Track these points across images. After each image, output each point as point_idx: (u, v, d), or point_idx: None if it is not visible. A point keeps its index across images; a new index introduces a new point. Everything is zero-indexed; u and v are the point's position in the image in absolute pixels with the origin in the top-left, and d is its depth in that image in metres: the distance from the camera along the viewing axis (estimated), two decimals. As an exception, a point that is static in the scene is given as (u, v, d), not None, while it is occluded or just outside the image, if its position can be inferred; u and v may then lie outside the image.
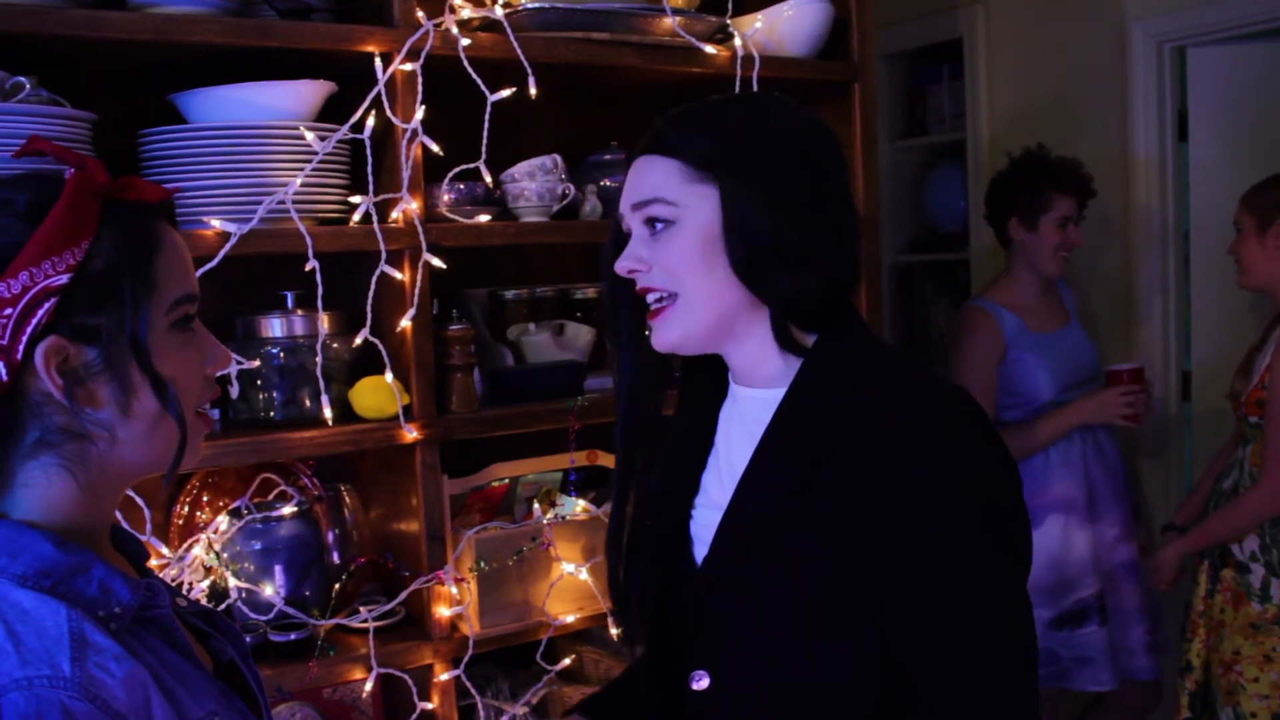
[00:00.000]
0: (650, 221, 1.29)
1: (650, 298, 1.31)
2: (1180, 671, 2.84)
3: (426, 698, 2.11)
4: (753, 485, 1.28)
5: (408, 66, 2.02)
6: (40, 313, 0.97)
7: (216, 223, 1.88)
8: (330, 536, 2.23)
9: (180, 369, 1.06)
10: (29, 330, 0.97)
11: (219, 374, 1.16)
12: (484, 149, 2.10)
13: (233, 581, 2.01)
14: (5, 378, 0.98)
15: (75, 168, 1.02)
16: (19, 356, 0.98)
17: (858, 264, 1.31)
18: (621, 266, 1.32)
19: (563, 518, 2.26)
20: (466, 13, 2.12)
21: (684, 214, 1.27)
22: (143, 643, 1.02)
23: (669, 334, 1.31)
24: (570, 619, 2.22)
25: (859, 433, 1.22)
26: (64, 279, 0.98)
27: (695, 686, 1.29)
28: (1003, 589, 1.21)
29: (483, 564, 2.14)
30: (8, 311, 0.96)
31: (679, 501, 1.39)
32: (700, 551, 1.34)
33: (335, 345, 2.08)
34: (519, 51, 2.10)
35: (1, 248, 0.97)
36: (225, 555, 2.02)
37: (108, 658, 0.95)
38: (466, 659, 2.12)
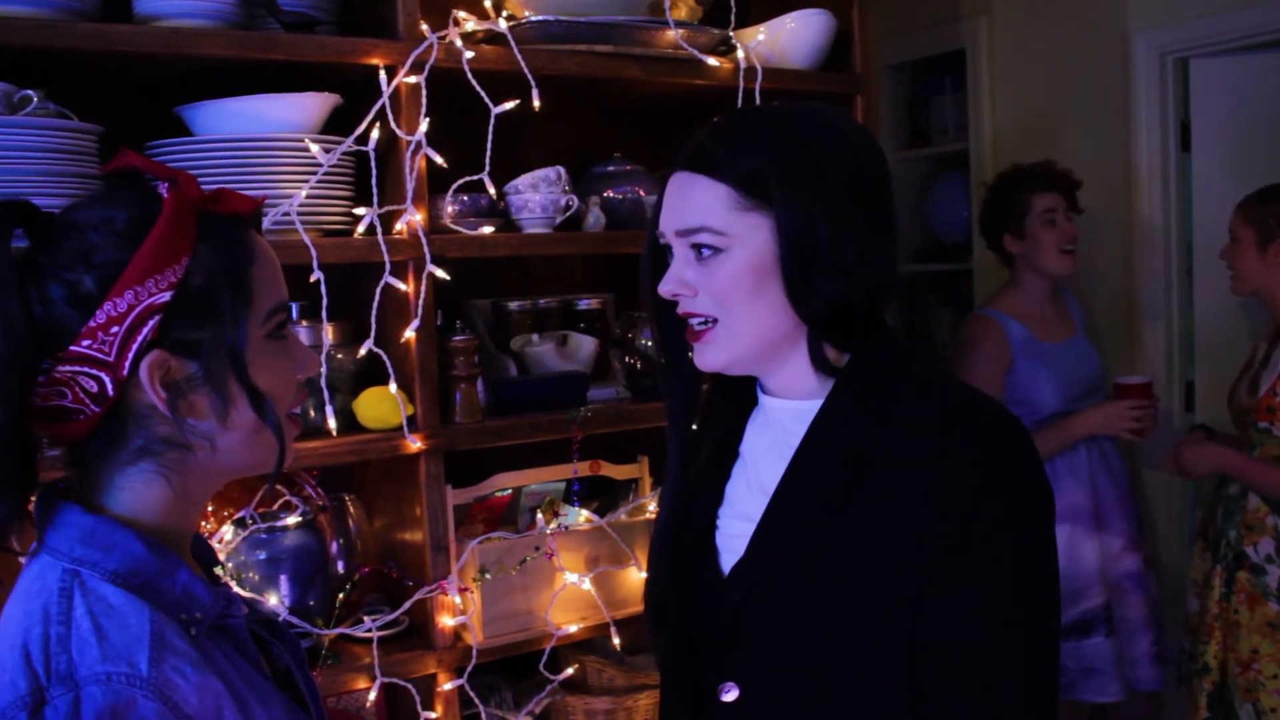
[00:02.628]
0: (697, 247, 1.26)
1: (693, 321, 1.29)
2: (1197, 673, 2.85)
3: (430, 707, 2.12)
4: (789, 495, 1.26)
5: (412, 79, 2.03)
6: (145, 330, 1.00)
7: (222, 234, 1.89)
8: (334, 546, 2.24)
9: (275, 378, 1.08)
10: (135, 347, 1.00)
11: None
12: (488, 161, 2.11)
13: (237, 591, 2.02)
14: (111, 392, 1.01)
15: (169, 183, 1.04)
16: (125, 373, 1.00)
17: (897, 272, 1.29)
18: (666, 290, 1.28)
19: (566, 528, 2.27)
20: (470, 25, 2.13)
21: (734, 243, 1.23)
22: (219, 649, 1.05)
23: (716, 357, 1.28)
24: (573, 629, 2.23)
25: (905, 446, 1.21)
26: (167, 296, 1.00)
27: (724, 698, 1.27)
28: (1038, 624, 1.20)
29: (486, 574, 2.15)
30: (114, 330, 0.99)
31: (704, 511, 1.37)
32: (727, 561, 1.32)
33: (340, 356, 2.09)
34: (523, 64, 2.12)
35: (105, 265, 0.99)
36: (230, 565, 2.03)
37: (185, 662, 0.98)
38: (470, 668, 2.13)
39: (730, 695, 1.27)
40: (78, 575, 0.99)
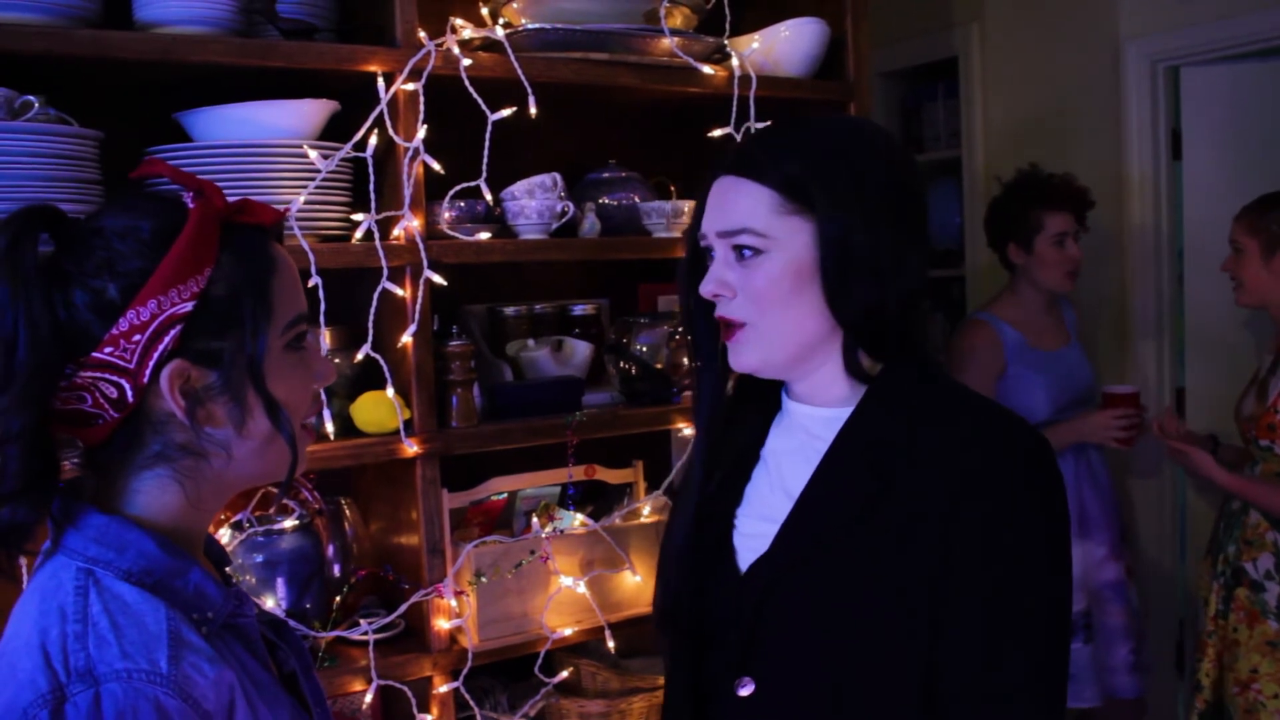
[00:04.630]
0: (738, 248, 1.28)
1: (728, 323, 1.31)
2: (1190, 691, 2.85)
3: (426, 710, 2.13)
4: (816, 500, 1.28)
5: (410, 86, 2.05)
6: (166, 340, 1.01)
7: (221, 239, 1.90)
8: (331, 549, 2.25)
9: (292, 388, 1.09)
10: (156, 356, 1.01)
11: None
12: (484, 167, 2.12)
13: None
14: (131, 399, 1.02)
15: (195, 193, 1.04)
16: (145, 380, 1.01)
17: (927, 279, 1.31)
18: (707, 290, 1.31)
19: (561, 531, 2.28)
20: (468, 33, 2.15)
21: (774, 245, 1.26)
22: (229, 648, 1.06)
23: (750, 358, 1.30)
24: (568, 632, 2.24)
25: (934, 457, 1.23)
26: (189, 306, 1.01)
27: (740, 693, 1.29)
28: (1054, 637, 1.22)
29: (482, 577, 2.16)
30: (136, 338, 1.00)
31: (723, 512, 1.39)
32: (745, 559, 1.33)
33: (337, 360, 2.10)
34: (519, 71, 2.13)
35: (130, 274, 1.00)
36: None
37: (202, 659, 0.99)
38: (465, 671, 2.14)
39: (746, 690, 1.29)
40: (92, 574, 1.00)
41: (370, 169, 2.04)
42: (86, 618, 0.97)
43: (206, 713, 0.96)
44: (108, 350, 1.00)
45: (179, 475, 1.06)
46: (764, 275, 1.27)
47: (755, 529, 1.33)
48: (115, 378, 1.01)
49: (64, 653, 0.95)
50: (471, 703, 2.16)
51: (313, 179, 1.98)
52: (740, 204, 1.28)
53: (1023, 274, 3.06)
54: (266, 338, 1.05)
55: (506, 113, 2.12)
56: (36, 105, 1.82)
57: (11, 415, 0.97)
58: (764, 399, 1.41)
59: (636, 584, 2.31)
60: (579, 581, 2.25)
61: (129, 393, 1.01)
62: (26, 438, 0.98)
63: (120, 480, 1.06)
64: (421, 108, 2.06)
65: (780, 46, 2.48)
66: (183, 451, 1.05)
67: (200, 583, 1.05)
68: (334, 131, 2.08)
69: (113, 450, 1.05)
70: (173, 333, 1.01)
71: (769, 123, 1.37)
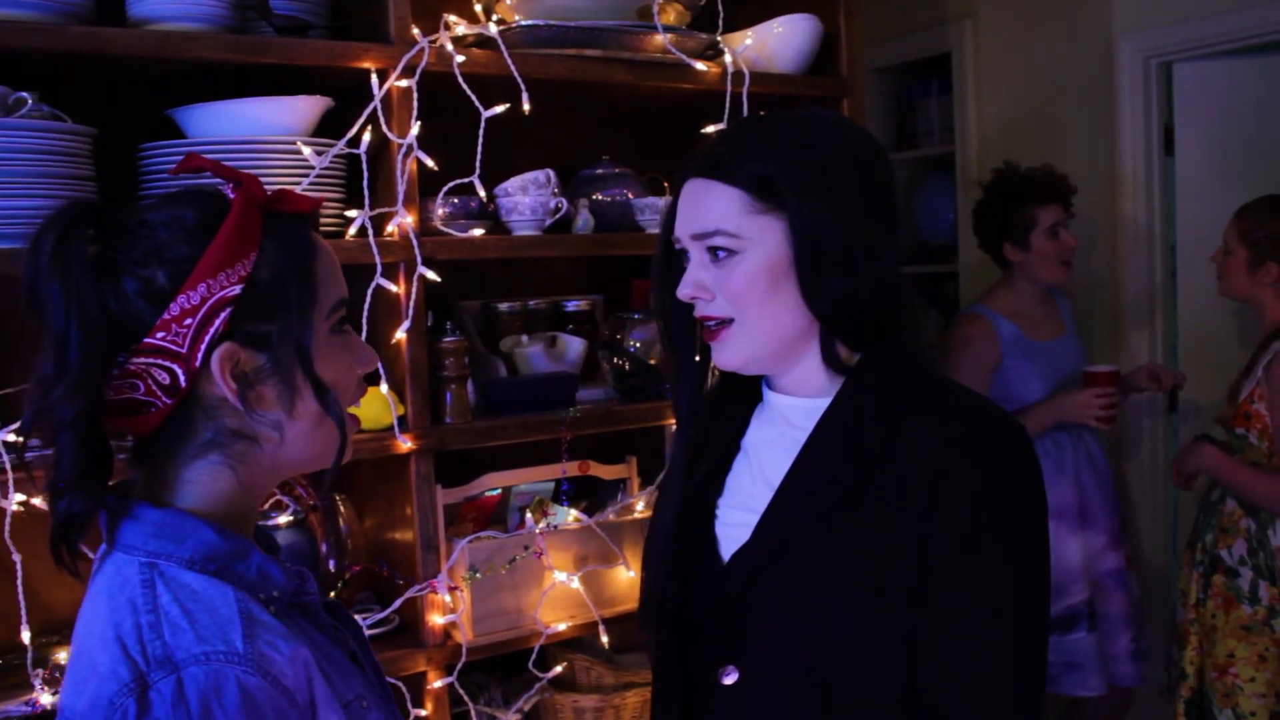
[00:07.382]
0: (712, 250, 1.29)
1: (709, 323, 1.32)
2: (1175, 681, 2.87)
3: (420, 705, 2.13)
4: (796, 487, 1.30)
5: (403, 83, 2.05)
6: (217, 322, 1.02)
7: (214, 236, 1.90)
8: (325, 545, 2.25)
9: (338, 371, 1.11)
10: (207, 339, 1.02)
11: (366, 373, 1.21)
12: (478, 164, 2.13)
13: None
14: (184, 384, 1.03)
15: (234, 183, 1.07)
16: (197, 364, 1.03)
17: (901, 272, 1.32)
18: (684, 293, 1.32)
19: (555, 527, 2.29)
20: (461, 30, 2.15)
21: (748, 245, 1.27)
22: (298, 625, 1.08)
23: (734, 356, 1.32)
24: (562, 627, 2.24)
25: (913, 446, 1.24)
26: (237, 289, 1.03)
27: (724, 681, 1.30)
28: (1034, 623, 1.24)
29: (476, 572, 2.17)
30: (188, 322, 1.01)
31: (705, 502, 1.40)
32: (727, 549, 1.35)
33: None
34: (513, 68, 2.13)
35: (178, 261, 1.02)
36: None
37: (276, 636, 1.01)
38: (460, 666, 2.14)
39: (730, 678, 1.30)
40: (155, 567, 1.02)
41: (364, 165, 2.05)
42: (157, 607, 0.99)
43: (286, 689, 0.98)
44: (160, 335, 1.01)
45: (231, 461, 1.07)
46: (740, 276, 1.28)
47: (737, 519, 1.35)
48: (167, 363, 1.02)
49: (140, 642, 0.97)
50: (466, 698, 2.17)
51: (306, 175, 1.99)
52: (711, 206, 1.29)
53: (1020, 270, 3.07)
54: (312, 320, 1.07)
55: (500, 109, 2.13)
56: (30, 102, 1.82)
57: (65, 404, 0.99)
58: (747, 390, 1.42)
59: (630, 579, 2.32)
60: (573, 577, 2.25)
61: (181, 378, 1.03)
62: (80, 426, 1.00)
63: (172, 471, 1.07)
64: (415, 104, 2.06)
65: (773, 43, 2.48)
66: (234, 437, 1.07)
67: (262, 564, 1.06)
68: (328, 128, 2.08)
69: (164, 439, 1.07)
70: (223, 315, 1.02)
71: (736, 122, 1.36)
